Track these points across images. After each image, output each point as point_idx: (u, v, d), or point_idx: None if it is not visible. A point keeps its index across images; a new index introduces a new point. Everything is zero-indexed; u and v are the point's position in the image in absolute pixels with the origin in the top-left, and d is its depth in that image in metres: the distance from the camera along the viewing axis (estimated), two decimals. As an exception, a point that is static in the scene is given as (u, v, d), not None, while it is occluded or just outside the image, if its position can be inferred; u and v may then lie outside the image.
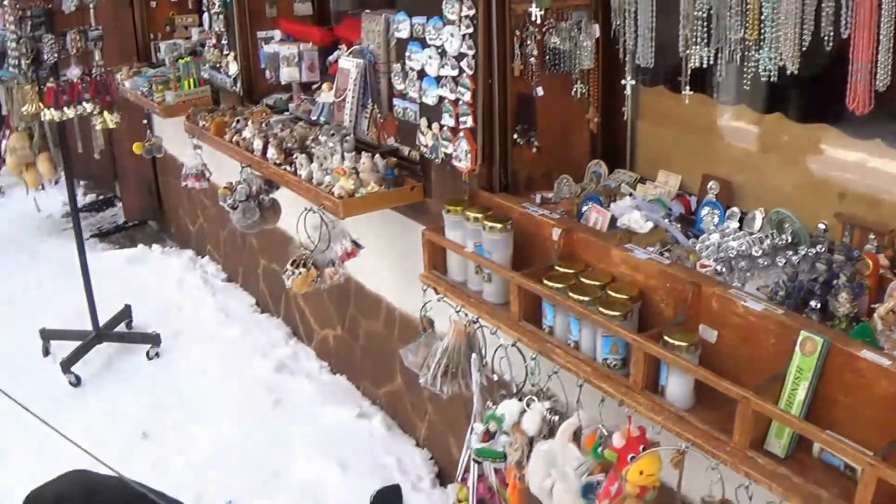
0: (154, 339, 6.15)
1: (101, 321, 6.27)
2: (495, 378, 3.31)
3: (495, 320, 3.12)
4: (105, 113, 5.88)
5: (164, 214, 8.57)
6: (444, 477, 4.63)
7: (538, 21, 3.26)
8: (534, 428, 2.94)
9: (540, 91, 3.36)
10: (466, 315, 3.28)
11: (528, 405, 2.98)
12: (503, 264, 3.16)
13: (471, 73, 3.34)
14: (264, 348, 5.95)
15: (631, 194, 3.29)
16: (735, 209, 3.01)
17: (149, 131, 6.89)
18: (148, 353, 6.10)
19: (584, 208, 3.27)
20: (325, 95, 4.56)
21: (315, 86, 5.03)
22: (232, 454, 4.95)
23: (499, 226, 3.16)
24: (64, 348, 6.14)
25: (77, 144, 7.69)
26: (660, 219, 3.10)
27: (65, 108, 5.71)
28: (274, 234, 5.73)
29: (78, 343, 6.11)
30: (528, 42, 3.31)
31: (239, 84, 5.65)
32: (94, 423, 5.34)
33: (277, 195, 4.84)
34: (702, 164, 3.27)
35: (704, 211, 3.12)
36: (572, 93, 3.39)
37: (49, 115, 5.71)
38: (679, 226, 3.10)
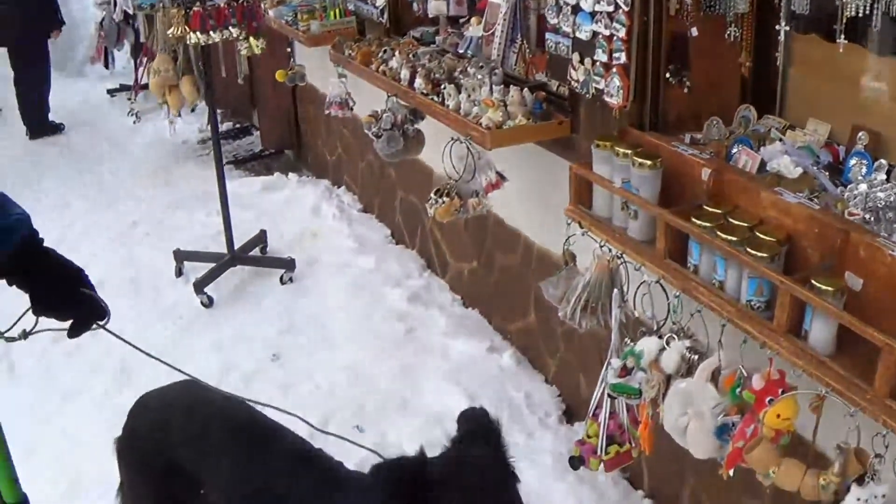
0: (288, 265, 6.29)
1: (236, 245, 6.45)
2: (635, 315, 3.35)
3: (640, 256, 3.17)
4: (251, 38, 6.01)
5: (301, 144, 8.72)
6: (571, 415, 4.70)
7: (696, -41, 3.24)
8: (672, 366, 2.98)
9: (694, 31, 3.35)
10: (610, 250, 3.33)
11: (667, 343, 3.01)
12: (651, 201, 3.19)
13: (627, 9, 3.35)
14: (398, 279, 6.05)
15: (781, 140, 3.28)
16: (883, 161, 2.98)
17: (292, 59, 6.99)
18: (281, 278, 6.26)
19: (734, 151, 3.27)
20: (474, 29, 4.60)
21: (462, 20, 5.06)
22: (361, 380, 5.09)
23: (648, 162, 3.19)
24: (197, 270, 6.35)
25: (220, 69, 7.88)
26: (809, 165, 3.09)
27: (210, 33, 5.84)
28: (413, 167, 5.82)
29: (211, 265, 6.30)
30: (685, -19, 3.30)
31: (385, 15, 5.72)
32: (225, 344, 5.58)
33: (421, 126, 4.91)
34: (851, 115, 3.24)
35: (852, 161, 3.09)
36: (725, 35, 3.37)
37: (194, 38, 5.85)
38: (827, 174, 3.08)
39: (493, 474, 2.56)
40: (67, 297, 2.46)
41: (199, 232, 7.13)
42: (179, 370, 2.99)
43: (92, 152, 9.57)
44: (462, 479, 2.48)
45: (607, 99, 3.51)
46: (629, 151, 3.27)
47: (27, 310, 2.41)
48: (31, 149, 9.89)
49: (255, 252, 6.66)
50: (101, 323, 2.61)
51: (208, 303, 6.03)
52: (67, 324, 2.55)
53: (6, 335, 2.38)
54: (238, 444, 3.04)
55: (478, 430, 2.65)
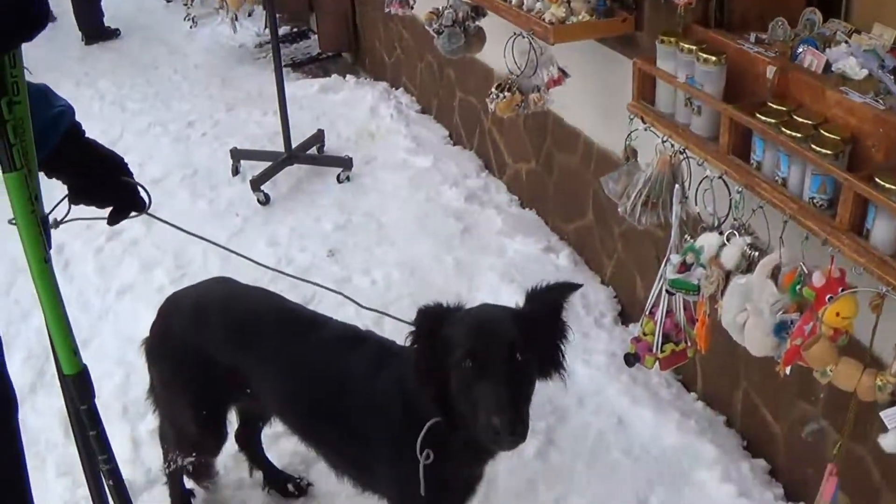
0: (346, 163, 6.32)
1: (293, 145, 6.49)
2: (696, 212, 3.34)
3: (703, 152, 3.15)
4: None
5: (359, 47, 8.70)
6: (626, 316, 4.73)
7: None
8: (732, 262, 2.97)
9: (761, -72, 3.30)
10: (672, 146, 3.32)
11: (728, 239, 3.01)
12: (715, 97, 3.17)
13: None
14: (455, 178, 6.07)
15: (846, 42, 3.23)
16: (946, 67, 2.94)
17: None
18: (339, 177, 6.30)
19: (799, 51, 3.22)
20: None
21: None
22: (416, 276, 5.15)
23: (713, 58, 3.15)
24: (254, 169, 6.41)
25: (280, -32, 7.86)
26: (874, 68, 3.03)
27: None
28: (472, 66, 5.79)
29: (268, 164, 6.35)
30: None
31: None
32: (281, 240, 5.66)
33: (483, 23, 4.88)
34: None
35: (918, 65, 3.05)
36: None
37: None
38: (893, 77, 3.04)
39: (502, 319, 2.55)
40: (107, 184, 2.48)
41: (256, 132, 7.19)
42: (238, 253, 3.02)
43: (148, 57, 9.64)
44: (470, 318, 2.53)
45: (673, -5, 3.47)
46: (694, 47, 3.23)
47: (63, 197, 2.44)
48: (88, 53, 9.98)
49: (313, 151, 6.69)
50: (138, 212, 2.61)
51: (265, 200, 6.09)
52: (105, 213, 2.57)
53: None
54: (282, 333, 3.06)
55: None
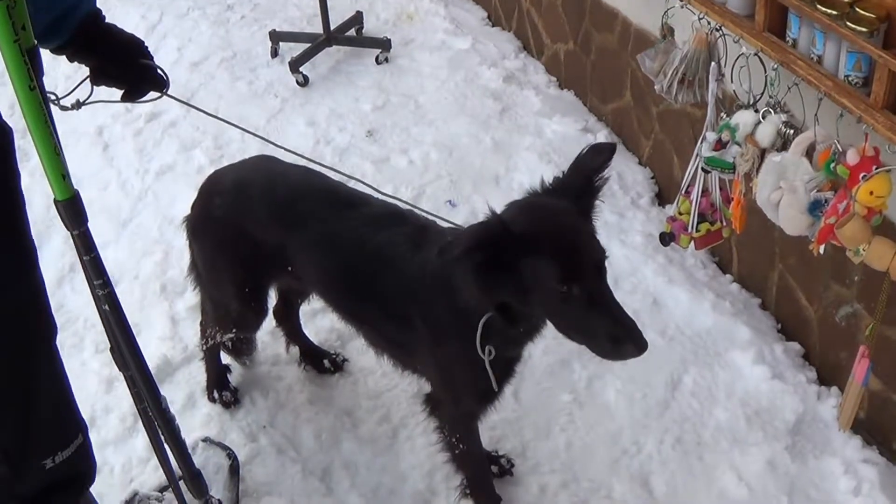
0: (384, 44, 6.29)
1: (332, 27, 6.43)
2: (732, 90, 3.33)
3: (739, 29, 3.13)
4: None
5: (397, -75, 8.58)
6: (662, 197, 4.74)
7: None
8: (767, 139, 2.98)
9: None
10: (709, 23, 3.29)
11: (763, 117, 3.01)
12: (752, -27, 3.14)
13: None
14: (494, 59, 6.04)
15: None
16: None
17: None
18: (377, 58, 6.27)
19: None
20: None
21: None
22: (454, 156, 5.16)
23: (752, -67, 3.12)
24: (293, 51, 6.38)
25: None
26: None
27: None
28: (511, -54, 5.74)
29: (307, 45, 6.32)
30: None
31: None
32: (320, 121, 5.67)
33: None
34: None
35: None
36: None
37: None
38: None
39: (568, 217, 2.48)
40: (126, 65, 2.55)
41: (295, 14, 7.14)
42: (272, 142, 3.03)
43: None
44: (546, 237, 2.39)
45: None
46: (733, -78, 3.19)
47: (84, 79, 2.49)
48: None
49: (351, 33, 6.64)
50: (158, 92, 2.69)
51: (304, 82, 6.08)
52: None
53: (60, 103, 2.45)
54: (325, 210, 3.02)
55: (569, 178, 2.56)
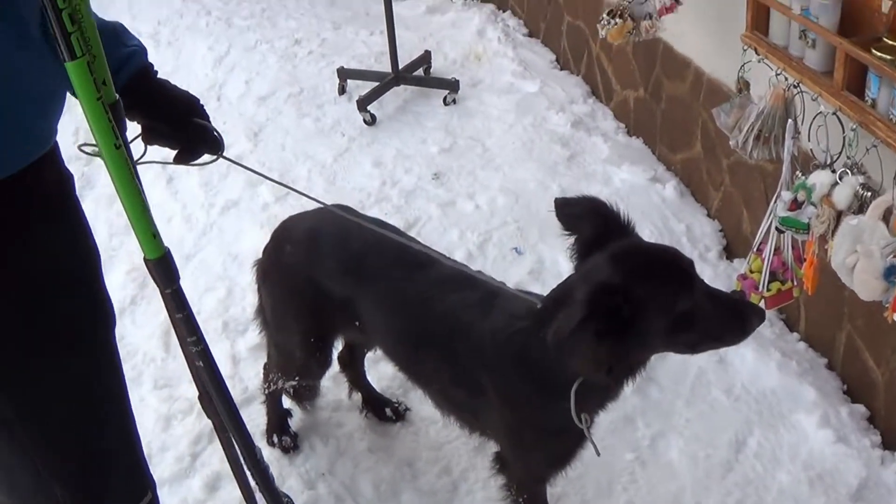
0: (452, 85, 6.29)
1: (400, 66, 6.47)
2: (809, 149, 3.28)
3: (817, 87, 3.08)
4: None
5: (466, -34, 8.63)
6: (731, 251, 4.67)
7: None
8: (844, 201, 2.92)
9: None
10: (786, 79, 3.25)
11: (840, 178, 2.95)
12: (830, 30, 3.09)
13: None
14: (562, 104, 6.02)
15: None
16: None
17: None
18: (445, 99, 6.28)
19: (917, -18, 3.13)
20: None
21: None
22: (521, 203, 5.13)
23: (829, -11, 3.08)
24: (360, 89, 6.42)
25: None
26: None
27: None
28: (581, -10, 5.74)
29: (375, 84, 6.36)
30: None
31: None
32: (386, 161, 5.68)
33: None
34: None
35: None
36: None
37: None
38: None
39: (669, 256, 2.49)
40: (179, 125, 2.42)
41: (363, 51, 7.21)
42: (318, 200, 2.98)
43: (254, -27, 9.69)
44: (650, 269, 2.39)
45: (788, -79, 3.38)
46: (810, -23, 3.15)
47: (136, 136, 2.45)
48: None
49: (419, 72, 6.69)
50: (212, 155, 2.53)
51: (371, 121, 6.11)
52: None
53: None
54: (395, 267, 3.00)
55: (605, 224, 2.53)
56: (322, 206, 2.93)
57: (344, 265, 3.08)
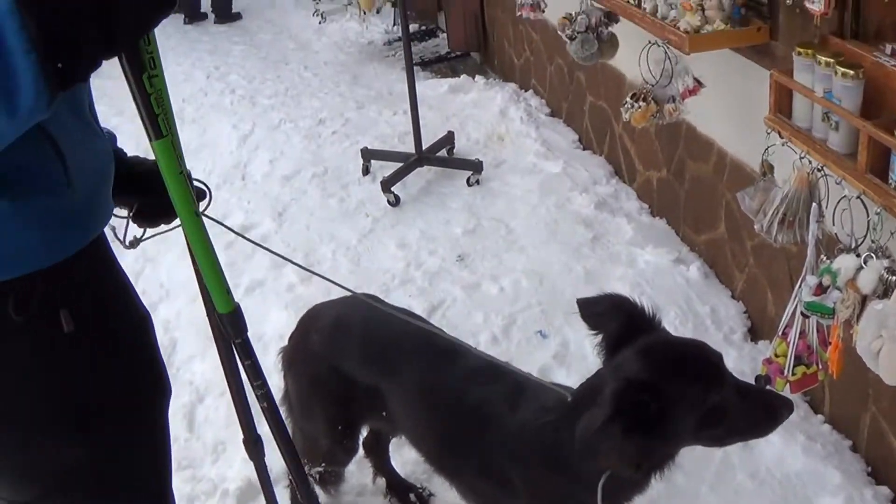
0: (476, 166, 6.35)
1: (423, 146, 6.56)
2: (833, 232, 3.30)
3: (841, 170, 3.11)
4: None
5: (488, 47, 8.76)
6: (756, 332, 4.66)
7: None
8: (869, 286, 2.92)
9: (898, -68, 3.21)
10: (810, 162, 3.28)
11: (865, 262, 2.96)
12: (853, 112, 3.12)
13: None
14: (585, 184, 6.06)
15: None
16: None
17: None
18: (468, 180, 6.34)
19: (936, 64, 3.16)
20: (677, -68, 4.51)
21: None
22: (545, 285, 5.14)
23: (851, 72, 3.10)
24: (384, 169, 6.50)
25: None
26: None
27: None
28: (603, 71, 5.79)
29: (399, 164, 6.43)
30: None
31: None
32: (410, 242, 5.72)
33: (615, 29, 4.88)
34: None
35: None
36: (930, -59, 3.23)
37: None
38: None
39: (701, 350, 2.50)
40: (158, 204, 2.35)
41: (387, 131, 7.31)
42: (342, 286, 3.00)
43: (277, 52, 9.95)
44: (679, 365, 2.40)
45: (808, 6, 3.41)
46: (832, 60, 3.18)
47: (127, 220, 2.51)
48: (219, 46, 10.38)
49: (443, 153, 6.76)
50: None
51: (395, 202, 6.17)
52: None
53: (124, 244, 2.52)
54: (422, 360, 3.01)
55: (631, 321, 2.54)
56: (349, 293, 2.94)
57: (370, 355, 3.11)
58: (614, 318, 2.57)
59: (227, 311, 2.28)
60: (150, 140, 1.93)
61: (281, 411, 3.49)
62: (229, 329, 2.34)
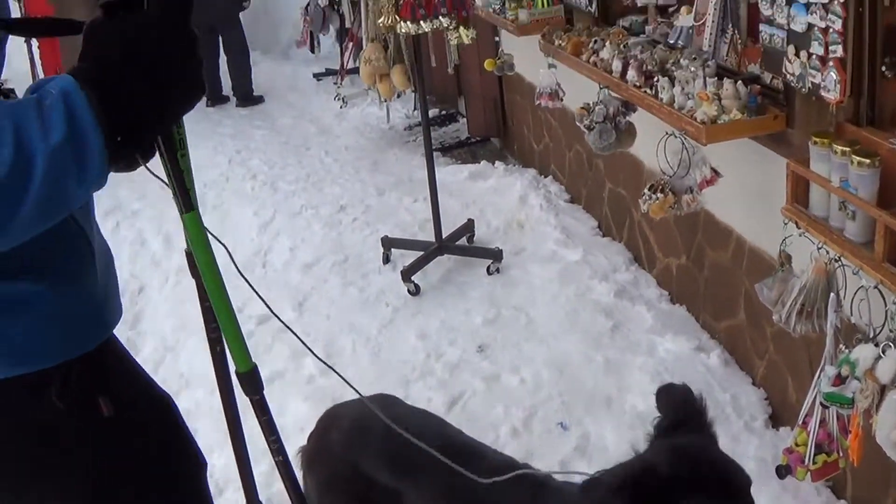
0: (496, 255, 6.37)
1: (444, 234, 6.59)
2: (852, 321, 3.31)
3: (858, 260, 3.13)
4: (461, 28, 6.08)
5: (507, 132, 8.84)
6: (777, 419, 4.64)
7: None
8: (888, 375, 2.93)
9: (909, 21, 3.25)
10: (827, 252, 3.30)
11: (883, 351, 2.97)
12: (869, 201, 3.15)
13: (842, 0, 3.30)
14: (605, 272, 6.07)
15: None
16: None
17: (500, 48, 7.07)
18: (488, 269, 6.35)
19: (952, 148, 3.18)
20: (684, 19, 4.55)
21: (671, 8, 5.04)
22: (565, 376, 5.12)
23: (867, 161, 3.13)
24: (405, 257, 6.55)
25: (430, 58, 8.05)
26: None
27: (421, 22, 5.92)
28: (622, 158, 5.84)
29: (419, 253, 6.46)
30: (899, -30, 3.18)
31: (594, 4, 5.74)
32: (431, 333, 5.70)
33: (633, 118, 4.94)
34: None
35: None
36: (943, 24, 3.28)
37: (405, 27, 5.97)
38: None
39: (729, 470, 2.37)
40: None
41: (407, 218, 7.35)
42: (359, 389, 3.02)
43: (298, 135, 10.06)
44: (703, 474, 2.29)
45: (823, 94, 3.46)
46: (847, 149, 3.22)
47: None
48: (240, 130, 10.50)
49: (463, 241, 6.78)
50: None
51: (415, 291, 6.18)
52: None
53: None
54: (442, 462, 2.93)
55: (684, 415, 2.48)
56: (364, 399, 2.95)
57: (390, 456, 3.09)
58: (672, 407, 2.54)
59: (245, 370, 2.35)
60: (182, 213, 2.03)
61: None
62: (247, 387, 2.39)
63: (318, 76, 12.16)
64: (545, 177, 7.78)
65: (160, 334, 5.94)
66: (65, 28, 2.02)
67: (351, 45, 9.52)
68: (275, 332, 5.69)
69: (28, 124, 1.55)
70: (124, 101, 1.65)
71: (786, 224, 3.54)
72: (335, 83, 10.23)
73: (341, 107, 10.05)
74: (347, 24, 9.58)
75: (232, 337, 2.28)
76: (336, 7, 10.17)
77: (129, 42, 1.67)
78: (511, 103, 8.56)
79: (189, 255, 2.20)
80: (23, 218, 1.58)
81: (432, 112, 9.89)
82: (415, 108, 9.61)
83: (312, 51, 11.62)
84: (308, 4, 10.76)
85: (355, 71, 9.29)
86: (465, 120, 9.66)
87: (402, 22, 5.94)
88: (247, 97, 11.44)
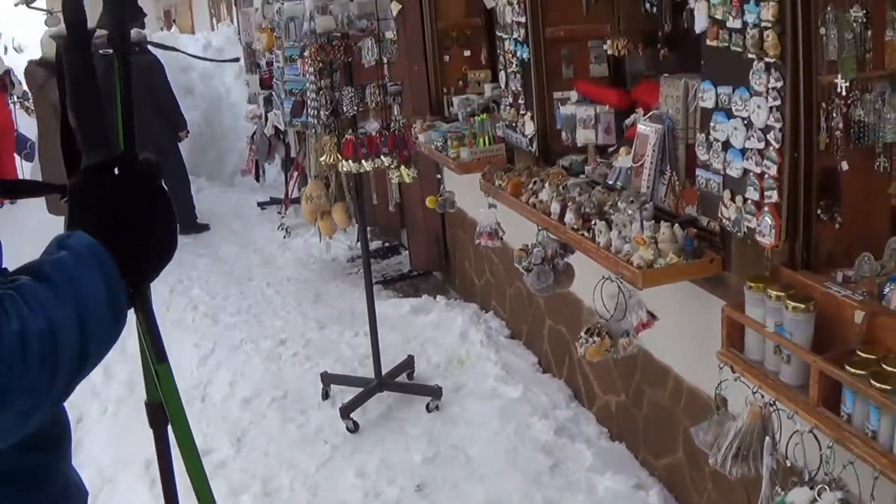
0: (435, 392, 6.37)
1: (383, 370, 6.57)
2: (788, 463, 3.36)
3: (793, 404, 3.18)
4: (402, 167, 6.14)
5: (449, 267, 8.93)
6: (718, 558, 4.66)
7: (843, 93, 3.26)
8: (823, 524, 2.98)
9: (844, 165, 3.36)
10: (763, 396, 3.36)
11: (819, 494, 3.01)
12: (804, 346, 3.22)
13: (777, 146, 3.41)
14: (545, 409, 6.08)
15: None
16: None
17: (441, 185, 7.20)
18: (428, 406, 6.34)
19: (886, 290, 3.24)
20: (623, 160, 4.68)
21: (610, 149, 5.18)
22: (506, 517, 5.10)
23: (802, 306, 3.21)
24: (344, 393, 6.53)
25: (372, 196, 8.15)
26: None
27: (362, 161, 6.00)
28: (562, 296, 5.91)
29: (359, 389, 6.44)
30: (834, 115, 3.31)
31: (535, 144, 5.87)
32: (369, 471, 5.66)
33: (571, 259, 5.01)
34: None
35: None
36: (875, 167, 3.39)
37: (347, 166, 6.05)
38: None
39: None
40: None
41: (347, 353, 7.33)
42: None
43: (241, 265, 10.07)
44: None
45: (759, 238, 3.56)
46: (782, 294, 3.29)
47: None
48: (182, 258, 10.36)
49: (403, 378, 6.77)
50: None
51: (354, 428, 6.14)
52: None
53: None
54: None
55: None
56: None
57: None
58: None
59: None
60: (153, 364, 2.08)
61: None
62: None
63: (262, 205, 12.24)
64: (486, 312, 7.84)
65: (97, 466, 5.85)
66: (43, 190, 2.10)
67: (296, 174, 9.63)
68: (213, 468, 5.64)
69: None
70: (138, 257, 1.84)
71: (721, 368, 3.60)
72: (279, 212, 10.32)
73: (284, 237, 10.11)
74: (293, 154, 9.68)
75: (199, 478, 2.24)
76: (282, 137, 10.29)
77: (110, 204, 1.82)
78: (453, 238, 8.67)
79: (150, 406, 2.20)
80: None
81: (375, 244, 10.01)
82: (357, 241, 9.66)
83: (257, 179, 11.74)
84: (254, 133, 10.89)
85: (300, 201, 9.37)
86: (407, 252, 9.73)
87: (343, 161, 6.01)
88: (189, 225, 11.37)
